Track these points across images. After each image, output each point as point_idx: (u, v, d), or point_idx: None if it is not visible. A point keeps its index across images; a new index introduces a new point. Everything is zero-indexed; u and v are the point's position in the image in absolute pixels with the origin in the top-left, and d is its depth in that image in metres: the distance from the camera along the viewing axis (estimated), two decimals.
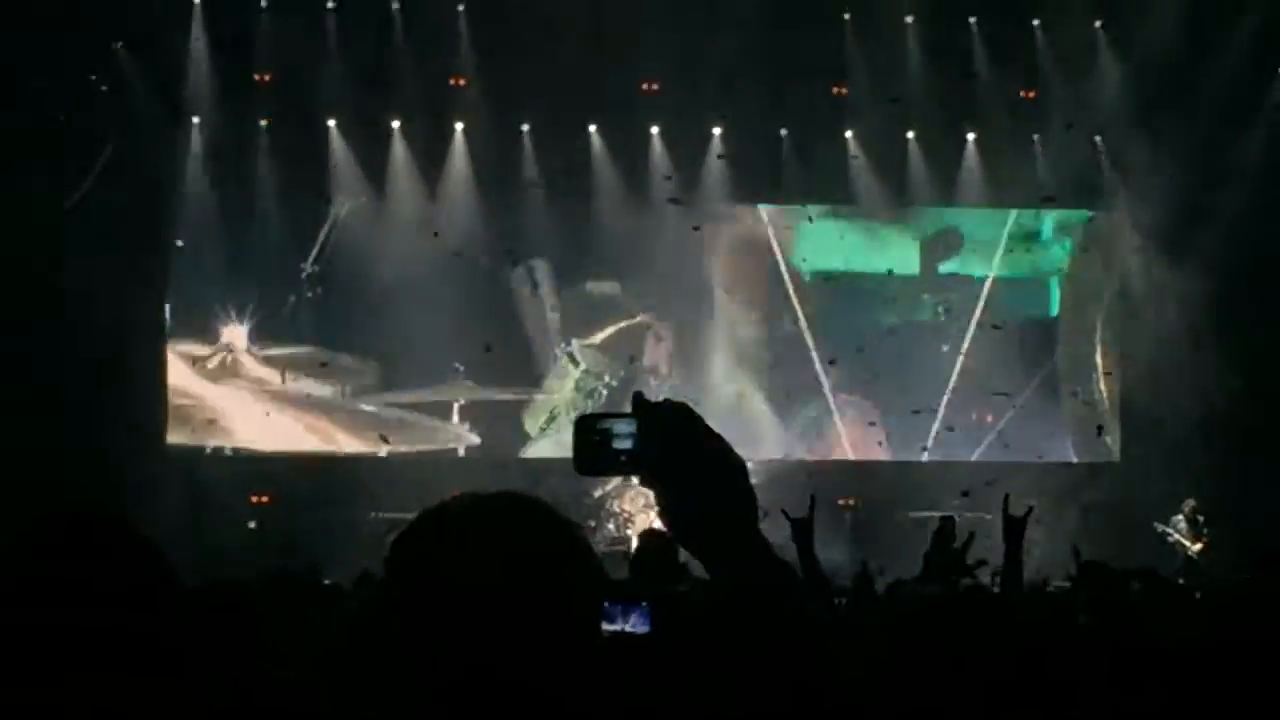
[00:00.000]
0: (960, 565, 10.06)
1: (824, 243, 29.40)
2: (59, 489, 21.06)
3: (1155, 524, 25.28)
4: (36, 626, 2.88)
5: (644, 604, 2.69)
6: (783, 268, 29.36)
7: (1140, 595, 10.62)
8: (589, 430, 2.79)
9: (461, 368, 27.29)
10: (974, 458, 28.16)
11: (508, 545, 2.72)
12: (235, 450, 28.16)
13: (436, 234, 27.43)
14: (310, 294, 28.11)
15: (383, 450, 28.04)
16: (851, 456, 29.17)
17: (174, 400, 27.95)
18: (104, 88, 26.52)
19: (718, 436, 2.73)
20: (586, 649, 2.70)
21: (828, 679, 2.62)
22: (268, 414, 28.10)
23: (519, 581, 2.66)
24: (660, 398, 2.76)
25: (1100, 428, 28.76)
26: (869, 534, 25.82)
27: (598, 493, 24.83)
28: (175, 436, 27.86)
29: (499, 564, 2.68)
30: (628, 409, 2.77)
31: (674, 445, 2.69)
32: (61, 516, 3.07)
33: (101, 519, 3.08)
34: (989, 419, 28.70)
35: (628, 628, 2.95)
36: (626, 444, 2.74)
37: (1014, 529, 8.68)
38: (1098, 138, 28.78)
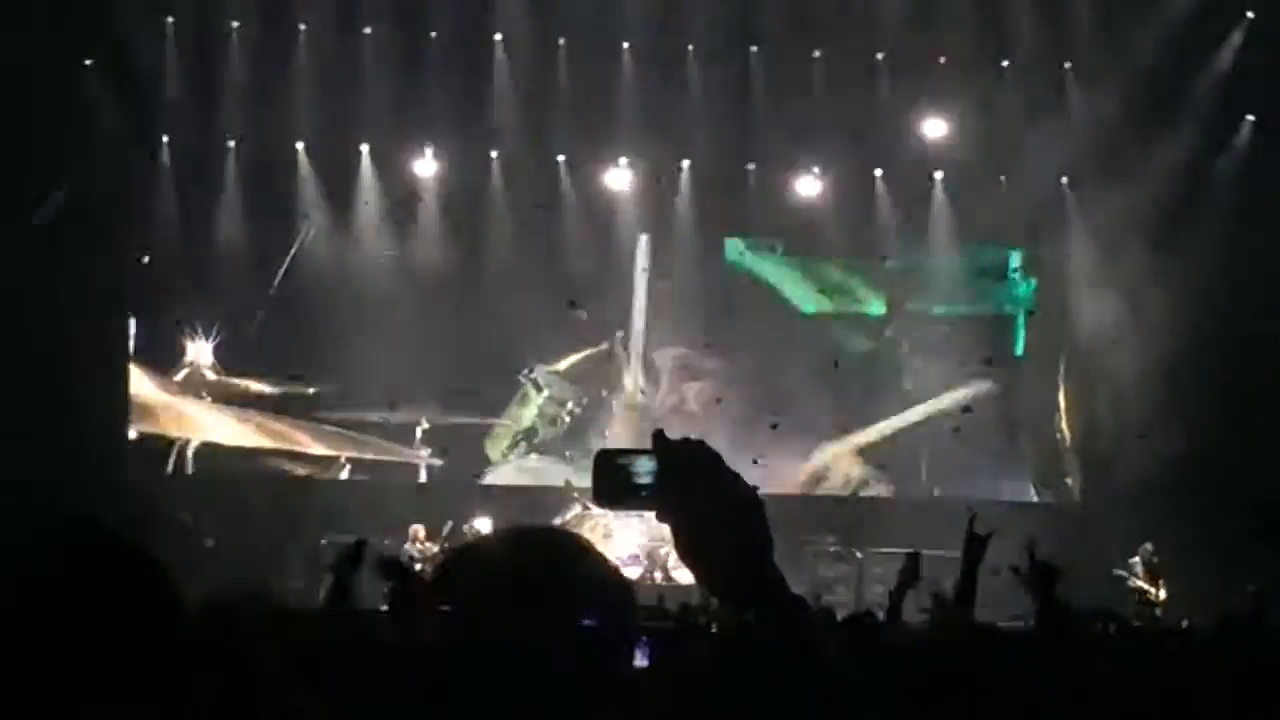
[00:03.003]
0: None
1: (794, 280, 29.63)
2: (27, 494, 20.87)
3: (1113, 569, 25.13)
4: (50, 654, 2.84)
5: (644, 638, 2.72)
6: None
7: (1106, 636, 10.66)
8: (609, 464, 2.83)
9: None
10: (935, 494, 28.11)
11: (546, 575, 2.74)
12: (196, 455, 28.01)
13: (388, 252, 27.69)
14: (276, 314, 27.88)
15: (343, 473, 27.99)
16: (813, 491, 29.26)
17: (138, 413, 27.83)
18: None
19: (735, 474, 2.77)
20: (620, 678, 2.73)
21: (844, 710, 2.66)
22: (230, 425, 27.92)
23: (552, 610, 2.68)
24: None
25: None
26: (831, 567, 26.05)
27: (557, 521, 24.76)
28: (137, 451, 27.74)
29: (539, 590, 2.70)
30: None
31: (693, 482, 2.73)
32: (68, 532, 3.02)
33: (107, 537, 3.04)
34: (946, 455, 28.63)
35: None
36: (646, 479, 2.79)
37: (974, 547, 8.75)
38: (1064, 179, 28.91)
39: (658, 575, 24.36)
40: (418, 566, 24.37)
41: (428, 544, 24.98)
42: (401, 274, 27.90)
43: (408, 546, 25.04)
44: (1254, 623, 9.13)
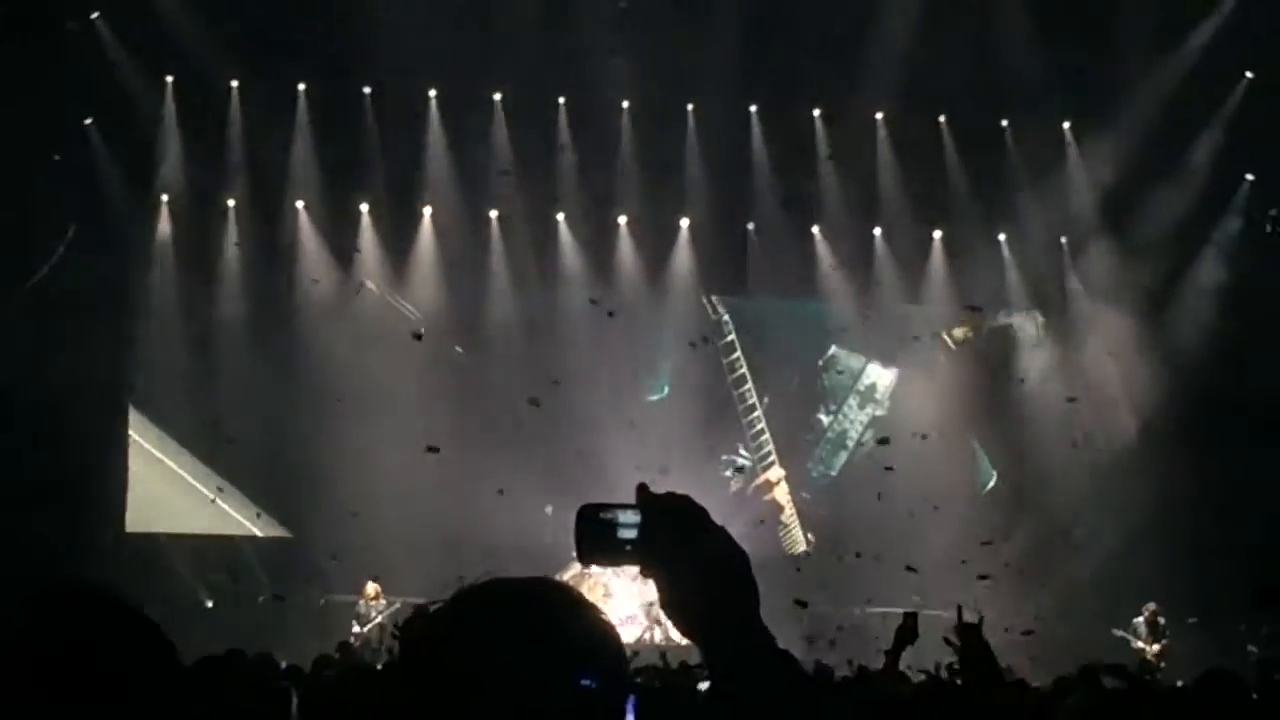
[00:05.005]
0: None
1: None
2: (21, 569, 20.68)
3: (1113, 629, 24.96)
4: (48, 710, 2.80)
5: (631, 696, 2.65)
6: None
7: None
8: (592, 519, 2.78)
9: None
10: None
11: (540, 631, 2.68)
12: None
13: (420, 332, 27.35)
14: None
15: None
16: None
17: (134, 485, 27.62)
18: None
19: (720, 528, 2.74)
20: None
21: None
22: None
23: (547, 669, 2.61)
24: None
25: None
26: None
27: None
28: (134, 523, 27.53)
29: (535, 648, 2.64)
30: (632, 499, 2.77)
31: (678, 535, 2.70)
32: (61, 595, 2.99)
33: (101, 597, 3.01)
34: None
35: None
36: (630, 534, 2.74)
37: (969, 636, 8.60)
38: (1063, 239, 29.06)
39: (657, 634, 24.27)
40: (360, 627, 24.48)
41: (379, 601, 24.98)
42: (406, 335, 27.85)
43: (360, 604, 25.06)
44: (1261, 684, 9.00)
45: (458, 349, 28.42)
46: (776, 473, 29.71)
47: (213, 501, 27.35)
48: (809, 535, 29.47)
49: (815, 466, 30.15)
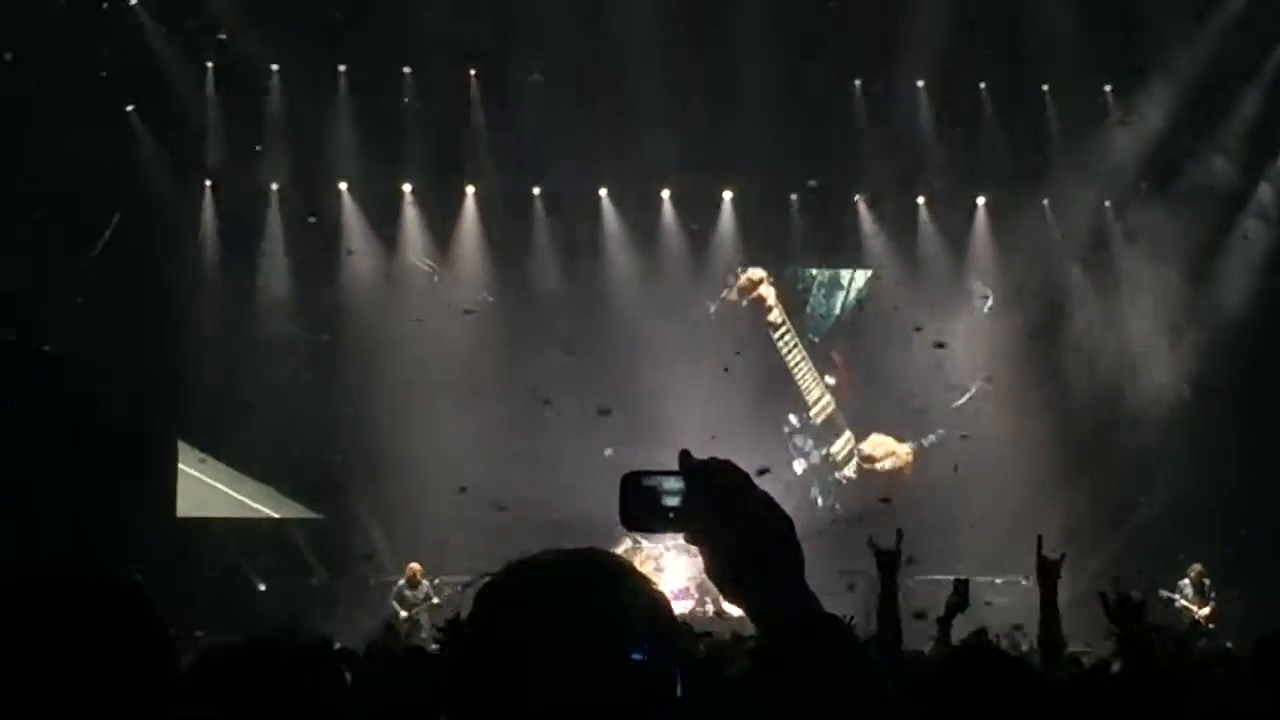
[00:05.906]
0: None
1: None
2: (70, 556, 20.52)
3: (1160, 590, 24.79)
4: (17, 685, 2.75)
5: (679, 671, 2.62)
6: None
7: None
8: (636, 487, 2.78)
9: None
10: None
11: (598, 603, 2.65)
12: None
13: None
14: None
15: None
16: None
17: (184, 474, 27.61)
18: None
19: (763, 492, 2.73)
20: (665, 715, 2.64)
21: None
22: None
23: (597, 640, 2.59)
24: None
25: None
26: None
27: None
28: (185, 508, 27.52)
29: (587, 620, 2.61)
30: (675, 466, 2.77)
31: (722, 501, 2.70)
32: (43, 575, 2.95)
33: (86, 575, 2.97)
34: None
35: None
36: (674, 500, 2.73)
37: (1048, 572, 8.42)
38: (1106, 202, 28.97)
39: (709, 608, 24.24)
40: (403, 609, 24.38)
41: (423, 582, 24.94)
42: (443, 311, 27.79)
43: (401, 583, 25.03)
44: None
45: (487, 296, 28.53)
46: (758, 272, 30.09)
47: (278, 523, 27.63)
48: (827, 380, 29.96)
49: (815, 309, 30.40)
